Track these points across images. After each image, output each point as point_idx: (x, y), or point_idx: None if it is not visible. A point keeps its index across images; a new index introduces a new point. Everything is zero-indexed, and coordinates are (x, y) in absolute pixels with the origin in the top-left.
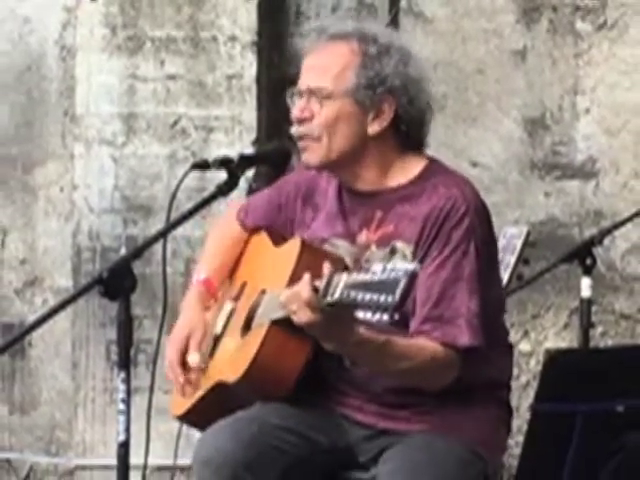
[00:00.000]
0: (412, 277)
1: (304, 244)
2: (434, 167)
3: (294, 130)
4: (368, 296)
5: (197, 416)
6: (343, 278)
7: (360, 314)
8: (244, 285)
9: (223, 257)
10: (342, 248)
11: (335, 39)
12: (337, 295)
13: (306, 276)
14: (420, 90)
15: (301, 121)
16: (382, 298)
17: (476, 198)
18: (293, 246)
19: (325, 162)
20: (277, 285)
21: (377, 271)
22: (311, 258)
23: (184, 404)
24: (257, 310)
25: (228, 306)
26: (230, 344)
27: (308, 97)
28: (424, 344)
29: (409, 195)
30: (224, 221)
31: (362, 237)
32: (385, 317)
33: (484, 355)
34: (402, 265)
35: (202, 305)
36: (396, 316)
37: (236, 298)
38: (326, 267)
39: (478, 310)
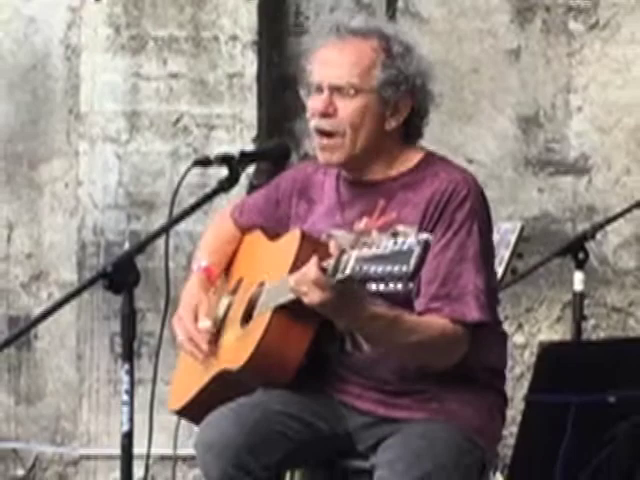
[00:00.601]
0: (425, 246)
1: (304, 235)
2: (432, 157)
3: (315, 124)
4: (381, 268)
5: (197, 408)
6: (353, 254)
7: (373, 286)
8: (240, 280)
9: (218, 253)
10: (340, 237)
11: (355, 35)
12: (349, 270)
13: (313, 258)
14: (431, 90)
15: (325, 116)
16: (397, 268)
17: (476, 184)
18: (292, 237)
19: (348, 159)
20: (277, 276)
21: (388, 245)
22: (311, 249)
23: (182, 398)
24: (257, 301)
25: (225, 300)
26: (230, 336)
27: (331, 93)
28: (433, 320)
29: (411, 182)
30: (219, 219)
31: (362, 225)
32: (399, 286)
33: (485, 337)
34: (413, 237)
35: (204, 290)
36: (410, 285)
37: (233, 293)
38: (332, 246)
39: (484, 287)
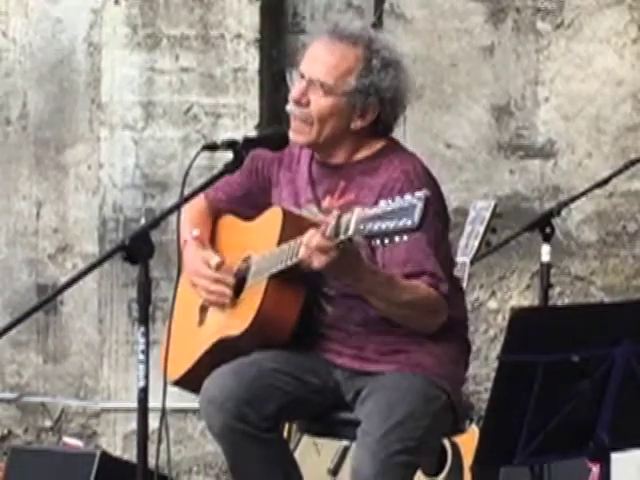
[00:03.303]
0: (427, 200)
1: (285, 212)
2: (391, 145)
3: (289, 107)
4: (385, 224)
5: (196, 378)
6: (353, 216)
7: (377, 242)
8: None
9: (202, 226)
10: (309, 212)
11: (346, 40)
12: (351, 231)
13: (311, 229)
14: (403, 100)
15: (298, 103)
16: (401, 222)
17: (427, 173)
18: (274, 214)
19: (312, 144)
20: (264, 250)
21: (389, 203)
22: (294, 224)
23: (179, 370)
24: (247, 274)
25: None
26: (218, 310)
27: (308, 84)
28: (420, 284)
29: (369, 168)
30: (193, 201)
31: (325, 203)
32: (405, 238)
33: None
34: (411, 195)
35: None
36: (416, 235)
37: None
38: (332, 214)
39: (440, 266)
